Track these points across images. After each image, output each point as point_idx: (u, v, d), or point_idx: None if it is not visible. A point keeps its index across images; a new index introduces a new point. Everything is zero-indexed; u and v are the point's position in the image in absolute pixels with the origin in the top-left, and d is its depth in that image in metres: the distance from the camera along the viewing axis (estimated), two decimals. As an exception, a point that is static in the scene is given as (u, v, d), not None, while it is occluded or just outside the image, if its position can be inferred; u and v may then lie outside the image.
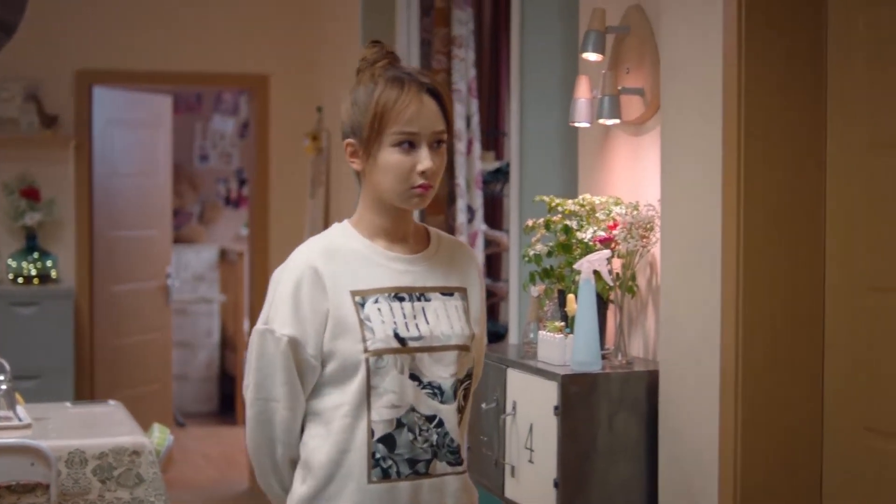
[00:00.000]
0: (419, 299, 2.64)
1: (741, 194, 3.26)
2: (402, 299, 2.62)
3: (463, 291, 2.72)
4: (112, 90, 8.18)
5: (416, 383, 2.60)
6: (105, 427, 4.42)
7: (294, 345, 2.57)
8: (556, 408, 3.65)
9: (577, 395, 3.66)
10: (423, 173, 2.57)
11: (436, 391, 2.62)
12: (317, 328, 2.58)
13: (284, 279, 2.61)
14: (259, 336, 2.62)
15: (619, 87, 4.06)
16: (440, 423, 2.62)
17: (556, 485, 3.65)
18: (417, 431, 2.60)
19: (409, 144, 2.56)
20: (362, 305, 2.58)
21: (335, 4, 7.61)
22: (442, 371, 2.63)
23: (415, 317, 2.62)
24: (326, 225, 7.42)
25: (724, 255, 3.31)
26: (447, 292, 2.69)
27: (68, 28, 7.79)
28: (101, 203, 8.02)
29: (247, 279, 9.67)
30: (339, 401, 2.58)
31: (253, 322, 8.05)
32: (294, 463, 2.66)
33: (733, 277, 3.27)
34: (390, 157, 2.56)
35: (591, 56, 4.11)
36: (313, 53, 8.10)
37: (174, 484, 8.11)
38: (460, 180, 5.93)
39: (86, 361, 7.84)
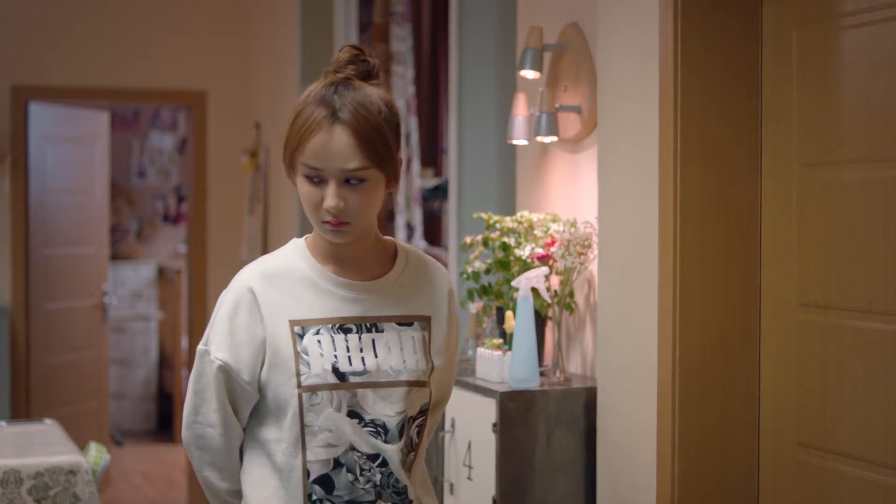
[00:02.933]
0: (370, 330, 2.43)
1: (677, 211, 3.28)
2: (348, 331, 2.41)
3: (425, 320, 2.49)
4: (48, 106, 8.11)
5: (357, 420, 2.39)
6: (41, 446, 4.37)
7: (225, 371, 2.41)
8: (494, 425, 3.65)
9: (515, 411, 3.66)
10: (328, 210, 2.34)
11: (379, 429, 2.41)
12: (253, 355, 2.41)
13: (225, 301, 2.44)
14: (199, 356, 2.46)
15: (557, 105, 4.09)
16: (384, 463, 2.41)
17: (494, 502, 3.65)
18: (358, 471, 2.40)
19: (316, 178, 2.34)
20: (301, 336, 2.39)
21: (273, 20, 7.59)
22: (387, 409, 2.41)
23: (361, 350, 2.41)
24: (265, 241, 7.40)
25: (660, 272, 3.33)
26: (405, 322, 2.46)
27: (3, 43, 7.72)
28: (36, 220, 7.94)
29: (185, 296, 9.62)
30: (277, 435, 2.42)
31: (192, 340, 8.04)
32: (239, 495, 2.50)
33: (670, 294, 3.29)
34: (302, 186, 2.37)
35: (529, 73, 4.13)
36: (251, 69, 8.08)
37: (112, 503, 8.05)
38: (399, 197, 5.93)
39: (21, 380, 7.75)
